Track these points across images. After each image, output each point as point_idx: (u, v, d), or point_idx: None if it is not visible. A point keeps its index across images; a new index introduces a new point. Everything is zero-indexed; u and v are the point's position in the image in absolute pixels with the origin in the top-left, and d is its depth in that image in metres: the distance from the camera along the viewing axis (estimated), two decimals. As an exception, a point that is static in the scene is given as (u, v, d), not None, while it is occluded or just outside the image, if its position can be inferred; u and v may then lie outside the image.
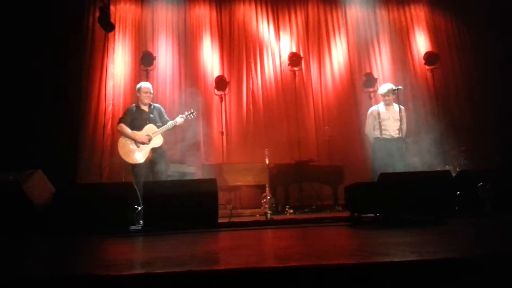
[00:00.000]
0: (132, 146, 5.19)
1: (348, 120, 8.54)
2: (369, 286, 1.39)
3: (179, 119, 5.40)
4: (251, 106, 8.61)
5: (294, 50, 8.94)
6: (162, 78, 8.38)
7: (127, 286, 1.40)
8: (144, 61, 7.98)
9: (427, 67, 8.88)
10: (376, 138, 6.15)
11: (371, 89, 8.62)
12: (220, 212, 4.26)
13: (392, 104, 6.22)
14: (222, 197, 6.12)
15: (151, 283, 1.40)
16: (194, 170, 6.84)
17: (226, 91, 8.35)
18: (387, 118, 6.13)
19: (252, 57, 8.86)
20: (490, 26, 8.74)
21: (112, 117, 7.79)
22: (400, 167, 5.69)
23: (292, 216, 5.69)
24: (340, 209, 6.50)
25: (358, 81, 8.93)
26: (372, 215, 3.98)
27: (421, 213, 3.89)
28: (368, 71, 8.96)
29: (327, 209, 6.68)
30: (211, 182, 4.28)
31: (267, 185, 5.64)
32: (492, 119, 8.49)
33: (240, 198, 7.60)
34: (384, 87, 6.26)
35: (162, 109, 5.61)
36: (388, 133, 6.09)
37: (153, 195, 4.03)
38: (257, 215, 5.88)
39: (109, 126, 7.78)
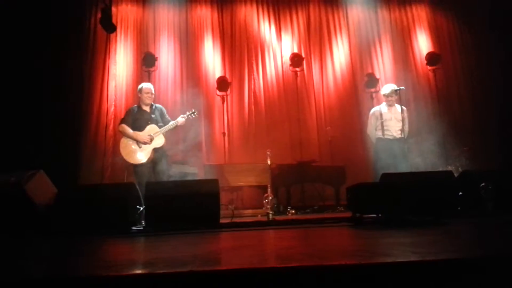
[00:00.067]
0: (134, 146, 5.21)
1: (350, 121, 8.53)
2: (371, 286, 1.39)
3: (181, 119, 5.42)
4: (253, 106, 8.61)
5: (295, 50, 8.94)
6: (164, 79, 8.39)
7: (129, 287, 1.40)
8: (145, 62, 7.99)
9: (429, 67, 8.87)
10: (378, 139, 6.15)
11: (372, 90, 8.61)
12: (222, 212, 4.26)
13: (394, 105, 6.22)
14: (224, 197, 6.13)
15: (153, 284, 1.40)
16: (196, 171, 6.84)
17: (228, 92, 8.36)
18: (389, 118, 6.13)
19: (253, 57, 8.86)
20: (492, 26, 8.72)
21: (114, 118, 7.80)
22: (402, 168, 5.69)
23: (294, 217, 5.69)
24: (342, 209, 6.50)
25: (360, 81, 8.92)
26: (374, 215, 3.97)
27: (423, 214, 3.89)
28: (369, 71, 8.95)
29: (329, 210, 6.68)
30: (213, 182, 4.29)
31: (269, 185, 5.64)
32: (494, 119, 8.47)
33: (242, 199, 7.60)
34: (387, 88, 6.26)
35: (164, 109, 5.62)
36: (390, 134, 6.09)
37: (155, 195, 4.03)
38: (259, 216, 5.88)
39: (111, 126, 7.79)
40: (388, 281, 1.39)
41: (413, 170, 5.70)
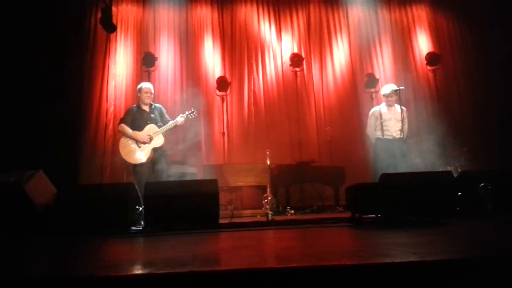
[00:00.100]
0: (133, 146, 5.21)
1: (350, 121, 8.53)
2: (370, 287, 1.39)
3: (180, 119, 5.42)
4: (252, 106, 8.61)
5: (295, 50, 8.93)
6: (164, 78, 8.39)
7: (128, 287, 1.40)
8: (145, 62, 7.98)
9: (428, 67, 8.86)
10: (378, 139, 6.15)
11: (372, 90, 8.60)
12: (221, 212, 4.26)
13: (394, 105, 6.23)
14: (223, 197, 6.12)
15: (153, 284, 1.40)
16: (195, 171, 6.84)
17: (228, 92, 8.35)
18: (388, 118, 6.14)
19: (253, 57, 8.86)
20: (492, 27, 8.73)
21: (114, 117, 7.80)
22: (401, 168, 5.69)
23: (293, 217, 5.69)
24: (342, 209, 6.49)
25: (360, 81, 8.91)
26: (374, 215, 3.98)
27: (422, 214, 3.89)
28: (369, 71, 8.95)
29: (328, 210, 6.67)
30: (212, 182, 4.29)
31: (268, 185, 5.64)
32: (494, 119, 8.48)
33: (241, 199, 7.60)
34: (387, 88, 6.26)
35: (163, 109, 5.62)
36: (390, 134, 6.10)
37: (154, 195, 4.03)
38: (258, 216, 5.88)
39: (110, 126, 7.78)
40: (387, 281, 1.40)
41: (413, 170, 5.70)
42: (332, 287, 1.39)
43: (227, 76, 8.51)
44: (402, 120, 6.08)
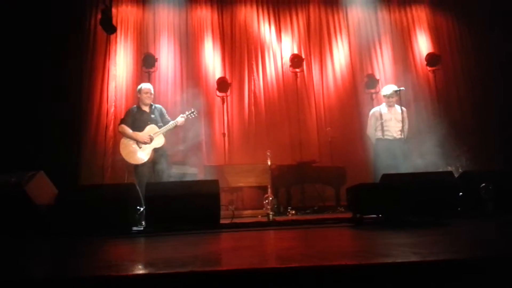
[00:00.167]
0: (134, 146, 5.21)
1: (350, 121, 8.52)
2: (371, 287, 1.39)
3: (180, 119, 5.43)
4: (252, 107, 8.61)
5: (295, 51, 8.93)
6: (164, 79, 8.39)
7: (129, 287, 1.40)
8: (145, 63, 7.99)
9: (428, 68, 8.87)
10: (378, 139, 6.16)
11: (372, 90, 8.61)
12: (222, 213, 4.26)
13: (394, 105, 6.23)
14: (224, 198, 6.12)
15: (153, 284, 1.40)
16: (196, 171, 6.84)
17: (228, 93, 8.36)
18: (389, 119, 6.14)
19: (253, 58, 8.86)
20: (491, 27, 8.73)
21: (114, 118, 7.80)
22: (402, 168, 5.69)
23: (294, 217, 5.69)
24: (342, 210, 6.49)
25: (360, 82, 8.91)
26: (374, 216, 3.98)
27: (423, 214, 3.89)
28: (369, 72, 8.95)
29: (329, 210, 6.67)
30: (213, 183, 4.29)
31: (269, 186, 5.64)
32: (494, 120, 8.47)
33: (242, 199, 7.60)
34: (388, 88, 6.26)
35: (163, 109, 5.63)
36: (390, 134, 6.10)
37: (155, 196, 4.04)
38: (259, 216, 5.88)
39: (111, 127, 7.79)
40: (388, 281, 1.40)
41: (413, 170, 5.69)
42: (333, 287, 1.39)
43: (227, 77, 8.51)
44: (403, 121, 6.08)
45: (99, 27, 7.53)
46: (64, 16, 7.60)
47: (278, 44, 9.04)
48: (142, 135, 5.23)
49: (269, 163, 5.59)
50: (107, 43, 8.18)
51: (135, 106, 5.61)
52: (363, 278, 1.40)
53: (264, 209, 5.63)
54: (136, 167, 5.22)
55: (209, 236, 3.40)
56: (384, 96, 6.30)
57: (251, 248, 2.41)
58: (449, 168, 6.58)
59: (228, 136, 8.24)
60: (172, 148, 5.88)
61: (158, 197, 4.03)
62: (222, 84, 8.24)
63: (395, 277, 1.41)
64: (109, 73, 8.16)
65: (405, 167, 5.75)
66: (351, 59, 9.09)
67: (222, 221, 4.15)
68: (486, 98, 8.70)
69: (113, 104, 8.02)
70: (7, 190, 3.93)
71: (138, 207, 4.15)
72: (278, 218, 5.08)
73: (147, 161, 5.17)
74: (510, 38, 8.24)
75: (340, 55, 9.12)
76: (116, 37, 8.25)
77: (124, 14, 8.56)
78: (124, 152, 5.22)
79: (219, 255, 2.11)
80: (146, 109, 5.46)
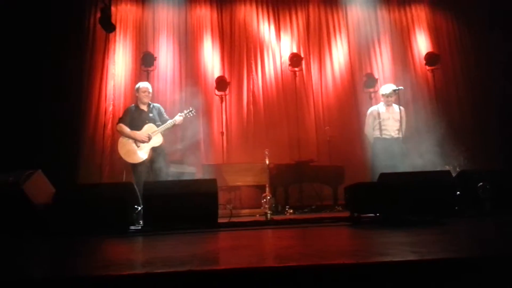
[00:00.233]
0: (132, 145, 5.20)
1: (349, 121, 8.53)
2: (369, 286, 1.39)
3: (178, 118, 5.42)
4: (251, 106, 8.61)
5: (294, 50, 8.94)
6: (163, 78, 8.38)
7: (128, 286, 1.40)
8: (144, 62, 7.98)
9: (427, 67, 8.87)
10: (376, 138, 6.16)
11: (371, 90, 8.62)
12: (220, 212, 4.26)
13: (392, 105, 6.23)
14: (222, 197, 6.13)
15: (151, 283, 1.40)
16: (194, 170, 6.84)
17: (227, 92, 8.35)
18: (387, 118, 6.14)
19: (252, 57, 8.86)
20: (491, 27, 8.74)
21: (113, 117, 7.79)
22: (400, 167, 5.69)
23: (292, 216, 5.69)
24: (340, 209, 6.50)
25: (359, 81, 8.92)
26: (372, 215, 3.98)
27: (421, 213, 3.89)
28: (368, 71, 8.96)
29: (327, 209, 6.67)
30: (211, 182, 4.29)
31: (267, 185, 5.64)
32: (494, 119, 8.49)
33: (240, 198, 7.60)
34: (387, 88, 6.26)
35: (162, 108, 5.62)
36: (388, 133, 6.10)
37: (153, 195, 4.03)
38: (257, 215, 5.88)
39: (109, 126, 7.78)
40: (386, 280, 1.40)
41: (411, 169, 5.70)
42: (331, 286, 1.39)
43: (226, 76, 8.51)
44: (401, 120, 6.09)
45: (98, 26, 7.53)
46: (64, 15, 7.60)
47: (277, 43, 9.05)
48: (140, 134, 5.22)
49: (267, 162, 5.59)
50: (106, 41, 8.17)
51: (133, 105, 5.60)
52: (361, 277, 1.40)
53: (262, 208, 5.64)
54: (134, 166, 5.21)
55: (207, 235, 3.40)
56: (383, 95, 6.30)
57: (249, 247, 2.41)
58: (447, 167, 6.59)
59: (227, 135, 8.24)
60: (170, 147, 5.88)
61: (156, 196, 4.02)
62: (221, 83, 8.23)
63: (393, 276, 1.41)
64: (108, 72, 8.15)
65: (403, 166, 5.75)
66: (350, 58, 9.10)
67: (220, 220, 4.15)
68: (485, 98, 8.71)
69: (112, 103, 8.02)
70: (4, 189, 3.92)
71: (136, 206, 4.15)
72: (276, 217, 5.08)
73: (145, 160, 5.16)
74: (510, 38, 8.25)
75: (339, 54, 9.13)
76: (115, 36, 8.24)
77: (123, 13, 8.55)
78: (122, 151, 5.21)
79: (217, 254, 2.11)
80: (144, 108, 5.45)
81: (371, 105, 7.07)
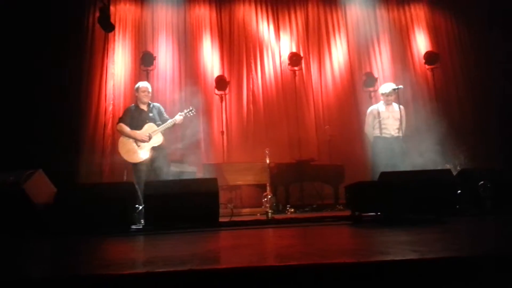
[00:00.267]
0: (133, 145, 5.20)
1: (348, 120, 8.54)
2: (370, 285, 1.39)
3: (178, 117, 5.42)
4: (251, 105, 8.61)
5: (294, 50, 8.94)
6: (162, 78, 8.38)
7: (129, 285, 1.40)
8: (144, 61, 7.98)
9: (427, 66, 8.88)
10: (376, 137, 6.16)
11: (371, 89, 8.62)
12: (221, 211, 4.27)
13: (392, 104, 6.23)
14: (223, 196, 6.13)
15: (152, 282, 1.40)
16: (195, 170, 6.84)
17: (226, 91, 8.36)
18: (386, 117, 6.14)
19: (252, 57, 8.86)
20: (490, 26, 8.73)
21: (113, 117, 7.80)
22: (400, 166, 5.69)
23: (293, 215, 5.69)
24: (341, 208, 6.50)
25: (358, 80, 8.92)
26: (373, 214, 3.98)
27: (421, 212, 3.89)
28: (368, 70, 8.97)
29: (328, 208, 6.68)
30: (212, 181, 4.29)
31: (267, 184, 5.64)
32: (494, 118, 8.48)
33: (241, 198, 7.60)
34: (387, 87, 6.26)
35: (162, 107, 5.62)
36: (388, 132, 6.10)
37: (154, 194, 4.03)
38: (258, 214, 5.88)
39: (109, 126, 7.79)
40: (387, 279, 1.40)
41: (411, 168, 5.70)
42: (331, 285, 1.39)
43: (226, 75, 8.51)
44: (401, 118, 6.09)
45: (97, 26, 7.52)
46: (64, 15, 7.60)
47: (277, 43, 9.05)
48: (140, 134, 5.22)
49: (267, 161, 5.60)
50: (106, 41, 8.17)
51: (133, 104, 5.60)
52: (362, 276, 1.40)
53: (263, 207, 5.64)
54: (135, 165, 5.21)
55: (208, 234, 3.40)
56: (383, 94, 6.30)
57: (250, 246, 2.41)
58: (448, 166, 6.59)
59: (227, 134, 8.24)
60: (170, 147, 5.87)
61: (157, 195, 4.02)
62: (221, 83, 8.23)
63: (394, 275, 1.41)
64: (107, 72, 8.15)
65: (403, 165, 5.75)
66: (349, 58, 9.10)
67: (221, 219, 4.15)
68: (485, 97, 8.71)
69: (111, 102, 8.02)
70: (5, 188, 3.92)
71: (137, 206, 4.15)
72: (276, 216, 5.08)
73: (146, 159, 5.16)
74: (509, 37, 8.25)
75: (338, 53, 9.13)
76: (114, 36, 8.25)
77: (122, 12, 8.55)
78: (122, 151, 5.21)
79: (218, 253, 2.11)
80: (144, 107, 5.45)
81: (371, 104, 7.08)
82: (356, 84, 8.92)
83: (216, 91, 8.32)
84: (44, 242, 3.33)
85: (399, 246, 1.93)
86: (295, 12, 9.24)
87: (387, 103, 6.23)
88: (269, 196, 5.42)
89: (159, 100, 7.03)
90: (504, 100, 8.31)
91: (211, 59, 8.71)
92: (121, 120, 5.38)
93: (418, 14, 9.51)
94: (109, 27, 7.25)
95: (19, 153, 5.99)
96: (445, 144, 6.92)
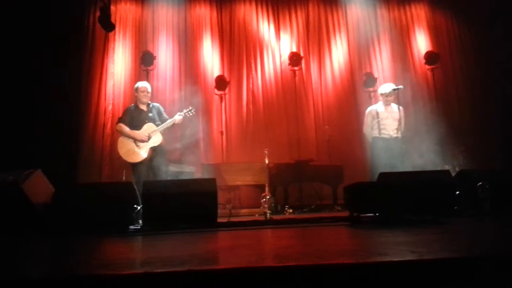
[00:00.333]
0: (132, 145, 5.21)
1: (348, 120, 8.53)
2: (368, 286, 1.39)
3: (178, 117, 5.42)
4: (251, 105, 8.61)
5: (294, 49, 8.94)
6: (162, 77, 8.38)
7: (127, 286, 1.40)
8: (144, 61, 7.97)
9: (427, 66, 8.87)
10: (375, 138, 6.16)
11: (371, 89, 8.62)
12: (220, 211, 4.26)
13: (390, 104, 6.23)
14: (221, 196, 6.12)
15: (151, 283, 1.40)
16: (193, 170, 6.84)
17: (226, 91, 8.35)
18: (385, 117, 6.14)
19: (252, 56, 8.86)
20: (491, 26, 8.73)
21: (112, 116, 7.80)
22: (399, 167, 5.70)
23: (292, 216, 5.69)
24: (340, 208, 6.50)
25: (358, 80, 8.92)
26: (372, 214, 3.98)
27: (420, 213, 3.89)
28: (368, 70, 8.97)
29: (326, 209, 6.67)
30: (211, 181, 4.28)
31: (266, 184, 5.64)
32: (493, 119, 8.49)
33: (240, 198, 7.60)
34: (387, 87, 6.26)
35: (161, 107, 5.63)
36: (387, 133, 6.10)
37: (153, 194, 4.03)
38: (257, 215, 5.88)
39: (109, 125, 7.78)
40: (385, 280, 1.40)
41: (410, 169, 5.70)
42: (330, 286, 1.39)
43: (226, 75, 8.51)
44: (400, 119, 6.09)
45: (98, 25, 7.53)
46: (64, 15, 7.59)
47: (277, 42, 9.05)
48: (140, 134, 5.22)
49: (266, 161, 5.59)
50: (106, 40, 8.17)
51: (132, 104, 5.61)
52: (361, 277, 1.40)
53: (261, 207, 5.65)
54: (134, 165, 5.21)
55: (206, 235, 3.40)
56: (382, 94, 6.29)
57: (248, 246, 2.41)
58: (446, 167, 6.59)
59: (226, 134, 8.24)
60: (169, 146, 5.87)
61: (156, 195, 4.02)
62: (221, 82, 8.23)
63: (392, 276, 1.41)
64: (107, 71, 8.15)
65: (402, 166, 5.76)
66: (349, 57, 9.11)
67: (219, 220, 4.14)
68: (485, 98, 8.71)
69: (111, 102, 8.02)
70: (4, 188, 3.92)
71: (135, 206, 4.14)
72: (275, 217, 5.08)
73: (145, 159, 5.16)
74: (510, 37, 8.25)
75: (338, 53, 9.13)
76: (114, 35, 8.24)
77: (122, 12, 8.55)
78: (122, 151, 5.21)
79: (217, 254, 2.11)
80: (144, 107, 5.46)
81: (371, 105, 7.08)
82: (356, 84, 8.92)
83: (216, 91, 8.32)
84: (43, 242, 3.33)
85: (397, 247, 1.93)
86: (296, 12, 9.25)
87: (386, 104, 6.23)
88: (268, 197, 5.42)
89: (159, 99, 7.04)
90: (504, 100, 8.31)
91: (211, 59, 8.71)
92: (120, 120, 5.39)
93: (419, 14, 9.51)
94: (109, 27, 7.25)
95: (19, 153, 5.98)
96: (444, 145, 6.93)
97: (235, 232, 3.58)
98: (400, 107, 6.20)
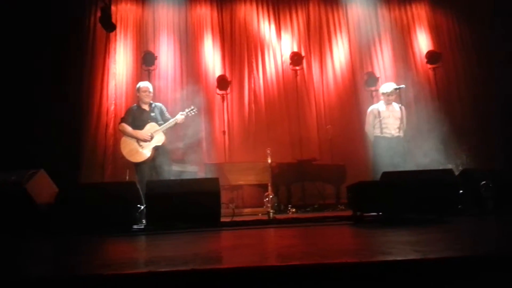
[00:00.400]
0: (135, 144, 5.22)
1: (350, 119, 8.52)
2: (372, 285, 1.39)
3: (180, 117, 5.43)
4: (253, 105, 8.61)
5: (295, 49, 8.93)
6: (164, 77, 8.38)
7: (131, 285, 1.41)
8: (145, 61, 7.97)
9: (429, 66, 8.86)
10: (377, 137, 6.15)
11: (372, 88, 8.60)
12: (223, 211, 4.26)
13: (392, 103, 6.23)
14: (224, 196, 6.13)
15: (154, 282, 1.40)
16: (196, 169, 6.84)
17: (228, 91, 8.35)
18: (387, 116, 6.13)
19: (253, 56, 8.86)
20: (492, 25, 8.71)
21: (115, 116, 7.80)
22: (401, 166, 5.69)
23: (295, 215, 5.69)
24: (343, 208, 6.49)
25: (360, 80, 8.91)
26: (375, 214, 3.98)
27: (423, 212, 3.89)
28: (369, 70, 8.95)
29: (329, 208, 6.68)
30: (214, 181, 4.29)
31: (269, 184, 5.64)
32: (495, 118, 8.46)
33: (243, 197, 7.60)
34: (389, 86, 6.25)
35: (163, 107, 5.64)
36: (389, 132, 6.09)
37: (156, 194, 4.03)
38: (260, 214, 5.88)
39: (111, 125, 7.79)
40: (388, 279, 1.40)
41: (412, 168, 5.69)
42: (333, 285, 1.39)
43: (227, 74, 8.51)
44: (401, 118, 6.08)
45: (99, 25, 7.51)
46: (64, 15, 7.60)
47: (278, 42, 9.04)
48: (142, 133, 5.23)
49: (269, 161, 5.59)
50: (107, 41, 8.18)
51: (135, 104, 5.62)
52: (364, 276, 1.40)
53: (264, 207, 5.64)
54: (137, 165, 5.23)
55: (209, 234, 3.40)
56: (383, 93, 6.28)
57: (251, 246, 2.41)
58: (449, 166, 6.58)
59: (228, 134, 8.24)
60: (172, 146, 5.88)
61: (159, 195, 4.02)
62: (222, 82, 8.23)
63: (395, 275, 1.41)
64: (109, 71, 8.16)
65: (404, 165, 5.75)
66: (351, 57, 9.09)
67: (222, 219, 4.14)
68: (486, 97, 8.68)
69: (113, 102, 8.02)
70: (7, 188, 3.93)
71: (138, 205, 4.15)
72: (278, 216, 5.08)
73: (148, 159, 5.17)
74: (511, 37, 8.23)
75: (340, 53, 9.12)
76: (115, 35, 8.25)
77: (123, 12, 8.55)
78: (124, 151, 5.22)
79: (220, 253, 2.11)
80: (146, 107, 5.47)
81: (373, 104, 7.07)
82: (358, 84, 8.91)
83: (218, 91, 8.32)
84: (46, 241, 3.34)
85: (400, 246, 1.93)
86: (297, 12, 9.24)
87: (388, 103, 6.22)
88: (271, 196, 5.42)
89: (161, 99, 7.04)
90: (506, 100, 8.29)
91: (212, 58, 8.71)
92: (123, 120, 5.41)
93: (420, 13, 9.49)
94: (110, 27, 7.25)
95: (21, 154, 6.00)
96: (447, 144, 6.91)
97: (238, 231, 3.59)
98: (402, 106, 6.19)
